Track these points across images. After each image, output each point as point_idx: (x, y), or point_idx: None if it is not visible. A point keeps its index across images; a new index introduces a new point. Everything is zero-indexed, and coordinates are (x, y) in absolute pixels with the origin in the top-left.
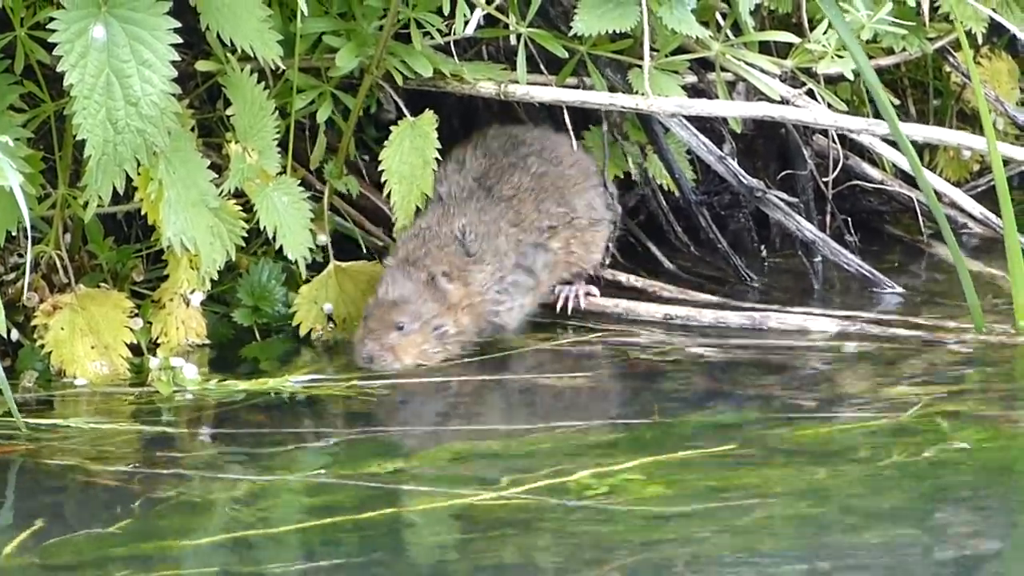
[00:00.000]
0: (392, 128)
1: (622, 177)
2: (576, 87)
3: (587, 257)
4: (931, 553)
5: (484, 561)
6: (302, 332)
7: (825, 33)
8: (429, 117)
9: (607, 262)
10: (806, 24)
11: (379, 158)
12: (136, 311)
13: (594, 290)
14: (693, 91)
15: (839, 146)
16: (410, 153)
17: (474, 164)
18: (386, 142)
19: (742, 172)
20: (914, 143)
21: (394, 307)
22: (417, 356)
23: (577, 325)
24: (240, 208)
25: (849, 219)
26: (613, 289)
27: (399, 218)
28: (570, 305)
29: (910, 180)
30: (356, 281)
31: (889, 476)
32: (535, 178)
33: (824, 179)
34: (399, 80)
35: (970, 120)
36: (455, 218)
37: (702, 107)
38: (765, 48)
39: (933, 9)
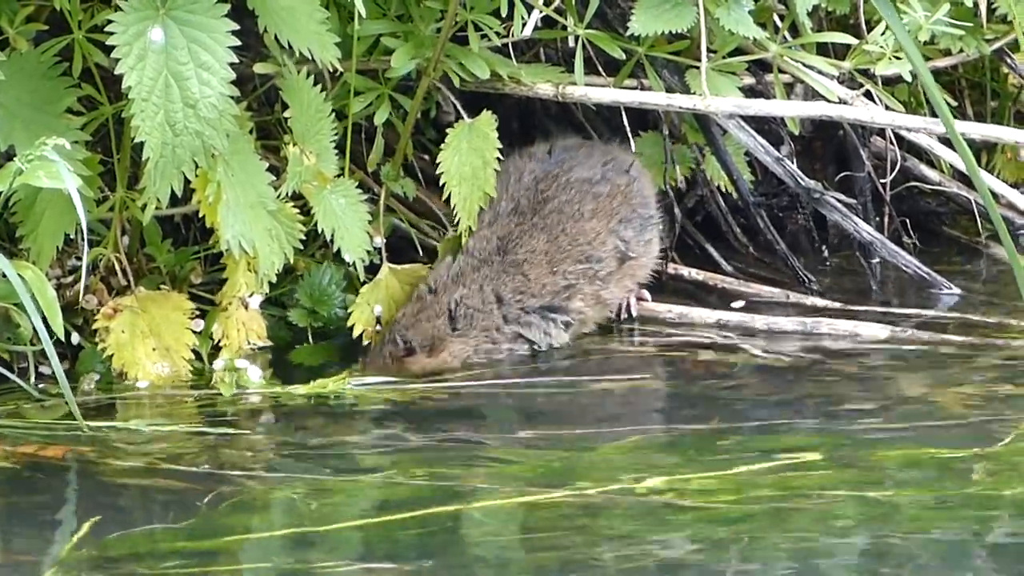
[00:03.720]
0: (448, 131)
1: (677, 184)
2: (634, 89)
3: (632, 286)
4: (988, 551)
5: (543, 562)
6: (355, 334)
7: (883, 34)
8: (487, 118)
9: (668, 258)
10: (863, 25)
11: (437, 161)
12: (197, 313)
13: (646, 294)
14: (751, 93)
15: (897, 148)
16: (469, 154)
17: (503, 222)
18: (443, 144)
19: (800, 174)
20: (972, 143)
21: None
22: None
23: (631, 328)
24: (298, 211)
25: (907, 220)
26: (676, 282)
27: (462, 220)
28: (623, 312)
29: (968, 182)
30: (403, 284)
31: (949, 481)
32: (552, 240)
33: (882, 180)
34: (456, 82)
35: None
36: (457, 287)
37: (759, 107)
38: (823, 49)
39: (991, 10)
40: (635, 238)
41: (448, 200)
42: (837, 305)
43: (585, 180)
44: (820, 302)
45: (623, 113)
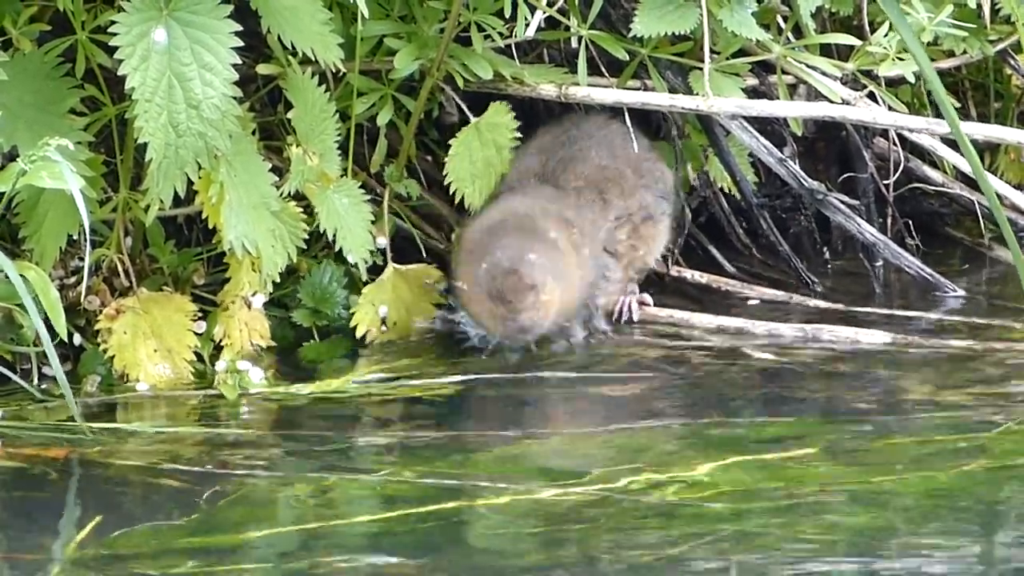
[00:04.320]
0: (454, 139)
1: (691, 184)
2: (637, 89)
3: (641, 255)
4: (992, 561)
5: (547, 555)
6: (358, 334)
7: (886, 35)
8: (498, 107)
9: (673, 260)
10: (867, 26)
11: (445, 170)
12: (199, 315)
13: (647, 299)
14: (754, 94)
15: (900, 149)
16: (481, 150)
17: (531, 159)
18: (450, 152)
19: (803, 175)
20: (976, 144)
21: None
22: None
23: (631, 331)
24: (301, 211)
25: (910, 222)
26: (679, 285)
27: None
28: (623, 316)
29: (971, 183)
30: (411, 284)
31: (951, 482)
32: (598, 169)
33: (885, 182)
34: (459, 83)
35: None
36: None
37: (761, 107)
38: (826, 51)
39: (994, 11)
40: (654, 205)
41: (454, 200)
42: (840, 307)
43: (611, 143)
44: (823, 303)
45: (626, 114)
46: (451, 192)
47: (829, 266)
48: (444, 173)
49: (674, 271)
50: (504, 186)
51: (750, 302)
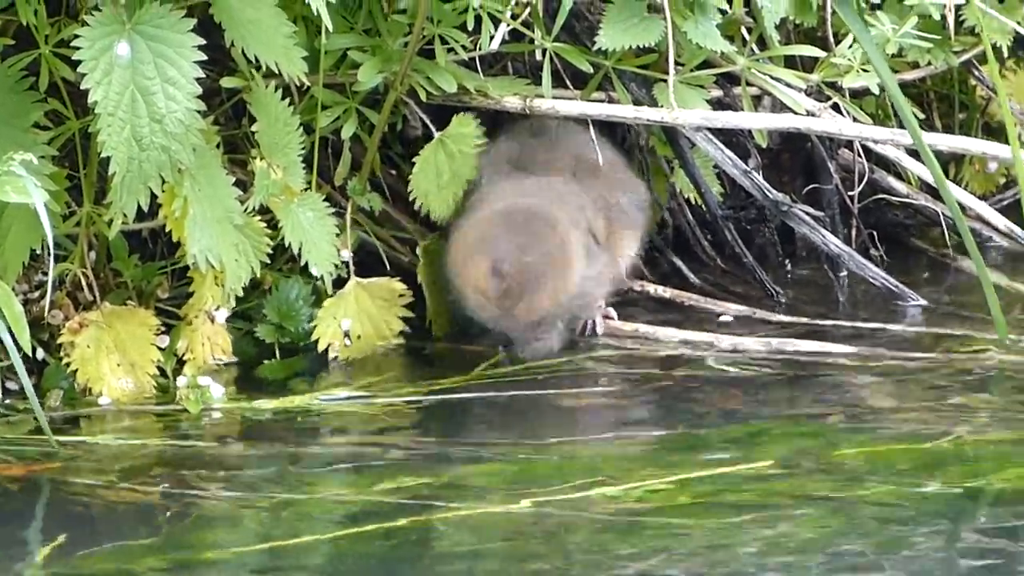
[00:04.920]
0: (418, 155)
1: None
2: (602, 102)
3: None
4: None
5: (512, 570)
6: (320, 348)
7: (851, 47)
8: (462, 118)
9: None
10: (831, 38)
11: (410, 186)
12: (163, 329)
13: (612, 312)
14: (719, 106)
15: (864, 160)
16: (448, 161)
17: (504, 151)
18: (415, 171)
19: (767, 186)
20: (940, 155)
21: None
22: None
23: (596, 344)
24: (265, 225)
25: (875, 233)
26: (642, 300)
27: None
28: (588, 329)
29: (936, 194)
30: (375, 298)
31: (914, 495)
32: (573, 157)
33: (850, 193)
34: (423, 96)
35: (996, 133)
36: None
37: (727, 119)
38: (791, 62)
39: (959, 22)
40: (628, 208)
41: (418, 214)
42: (804, 320)
43: (586, 140)
44: (787, 318)
45: (591, 126)
46: (416, 207)
47: (790, 276)
48: (409, 189)
49: (637, 286)
50: (479, 176)
51: (732, 317)
